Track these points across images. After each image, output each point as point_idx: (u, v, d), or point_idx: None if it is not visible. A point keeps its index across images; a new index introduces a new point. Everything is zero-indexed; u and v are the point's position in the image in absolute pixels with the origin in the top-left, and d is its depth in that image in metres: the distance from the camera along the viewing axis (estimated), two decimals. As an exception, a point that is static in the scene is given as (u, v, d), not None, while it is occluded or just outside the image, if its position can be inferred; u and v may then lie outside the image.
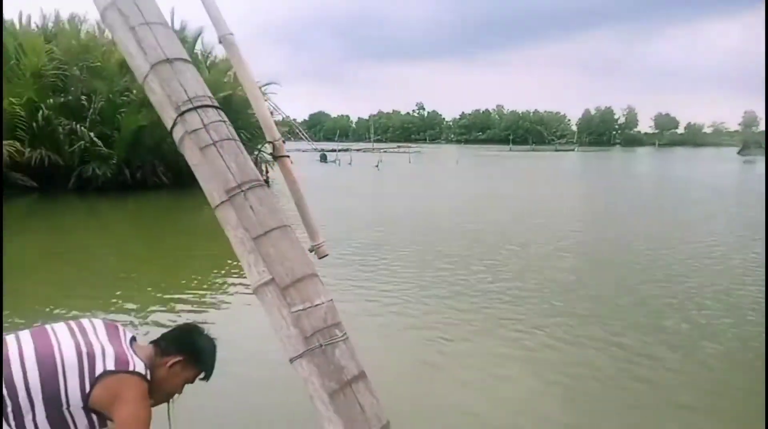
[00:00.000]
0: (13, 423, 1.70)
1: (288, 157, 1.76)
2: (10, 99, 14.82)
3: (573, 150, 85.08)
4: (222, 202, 1.41)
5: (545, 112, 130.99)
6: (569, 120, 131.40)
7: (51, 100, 15.84)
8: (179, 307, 5.98)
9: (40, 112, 15.52)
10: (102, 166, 16.47)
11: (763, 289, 6.30)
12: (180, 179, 19.28)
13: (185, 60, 1.51)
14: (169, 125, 1.46)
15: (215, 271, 7.61)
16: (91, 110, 16.72)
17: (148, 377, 1.85)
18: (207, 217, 14.72)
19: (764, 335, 3.95)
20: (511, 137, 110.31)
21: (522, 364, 4.46)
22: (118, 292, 6.54)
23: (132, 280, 7.34)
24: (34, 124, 15.53)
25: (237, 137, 1.50)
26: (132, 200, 16.23)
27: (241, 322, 5.45)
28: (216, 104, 1.49)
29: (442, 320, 5.45)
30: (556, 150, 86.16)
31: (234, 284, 6.88)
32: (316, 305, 1.37)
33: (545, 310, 5.80)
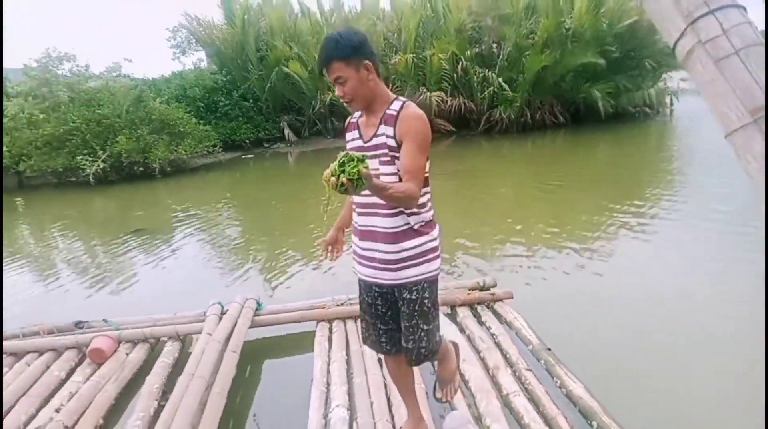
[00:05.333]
0: None
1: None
2: (439, 55, 17.38)
3: None
4: (743, 126, 1.14)
5: None
6: None
7: (468, 52, 17.76)
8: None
9: (460, 63, 17.70)
10: (507, 109, 17.77)
11: None
12: (576, 118, 19.20)
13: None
14: (673, 38, 1.26)
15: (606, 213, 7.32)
16: (500, 56, 18.08)
17: None
18: (602, 155, 14.18)
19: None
20: None
21: None
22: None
23: (521, 215, 7.79)
24: (455, 75, 17.87)
25: (764, 41, 1.18)
26: (531, 140, 17.02)
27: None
28: (738, 3, 1.20)
29: None
30: None
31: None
32: None
33: None
